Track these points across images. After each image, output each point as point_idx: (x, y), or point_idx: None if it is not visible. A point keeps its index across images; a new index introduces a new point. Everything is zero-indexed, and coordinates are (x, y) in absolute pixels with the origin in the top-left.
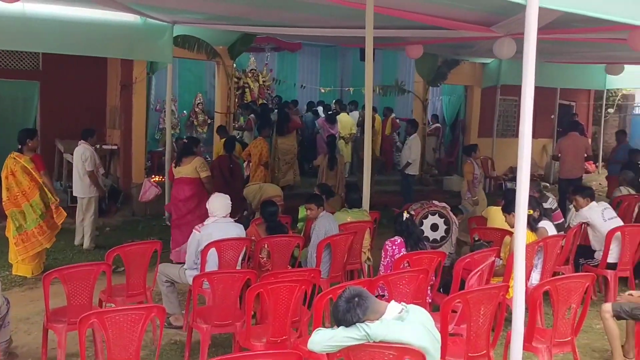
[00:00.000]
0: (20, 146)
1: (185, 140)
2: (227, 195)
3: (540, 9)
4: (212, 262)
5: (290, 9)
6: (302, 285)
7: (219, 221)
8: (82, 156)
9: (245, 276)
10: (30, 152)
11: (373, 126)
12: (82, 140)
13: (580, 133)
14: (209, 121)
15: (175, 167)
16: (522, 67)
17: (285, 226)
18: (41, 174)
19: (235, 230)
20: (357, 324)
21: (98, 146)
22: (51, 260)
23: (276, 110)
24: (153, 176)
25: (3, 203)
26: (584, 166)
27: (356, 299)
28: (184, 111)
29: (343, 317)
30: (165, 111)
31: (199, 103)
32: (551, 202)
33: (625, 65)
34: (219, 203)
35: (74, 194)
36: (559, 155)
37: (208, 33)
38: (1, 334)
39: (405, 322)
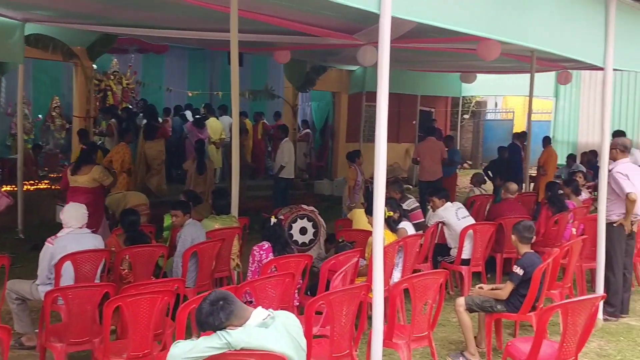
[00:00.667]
0: None
1: (83, 147)
2: (83, 205)
3: (396, 18)
4: (68, 276)
5: (153, 9)
6: (165, 297)
7: (74, 232)
8: None
9: (102, 290)
10: None
11: (244, 131)
12: None
13: (437, 138)
14: (67, 126)
15: (72, 174)
16: (377, 74)
17: (147, 235)
18: None
19: (93, 241)
20: (218, 332)
21: None
22: None
23: (141, 114)
24: (4, 185)
25: None
26: (442, 169)
27: (221, 302)
28: (39, 115)
29: (205, 319)
30: (17, 115)
31: (55, 107)
32: (409, 203)
33: (478, 74)
34: (73, 213)
35: None
36: (418, 158)
37: (64, 32)
38: None
39: (270, 328)
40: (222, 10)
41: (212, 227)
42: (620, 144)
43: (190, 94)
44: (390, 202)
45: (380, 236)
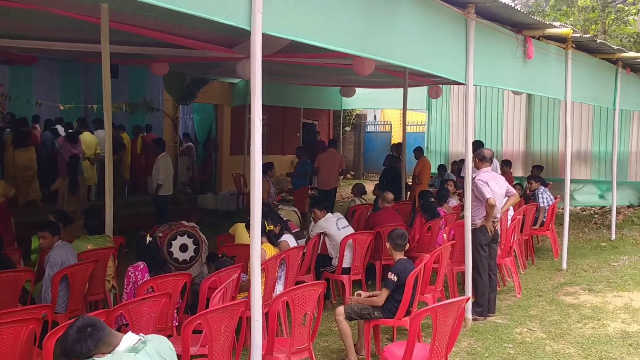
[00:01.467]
0: None
1: None
2: None
3: (270, 34)
4: None
5: (18, 18)
6: (31, 325)
7: None
8: None
9: None
10: None
11: (122, 145)
12: None
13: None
14: None
15: None
16: (250, 88)
17: (11, 260)
18: None
19: None
20: None
21: None
22: None
23: (9, 129)
24: None
25: None
26: (338, 178)
27: (89, 329)
28: None
29: (72, 347)
30: None
31: None
32: (282, 215)
33: (357, 88)
34: None
35: None
36: (318, 167)
37: None
38: None
39: (141, 353)
40: (93, 21)
41: (84, 248)
42: (478, 154)
43: (62, 107)
44: (271, 216)
45: (258, 250)
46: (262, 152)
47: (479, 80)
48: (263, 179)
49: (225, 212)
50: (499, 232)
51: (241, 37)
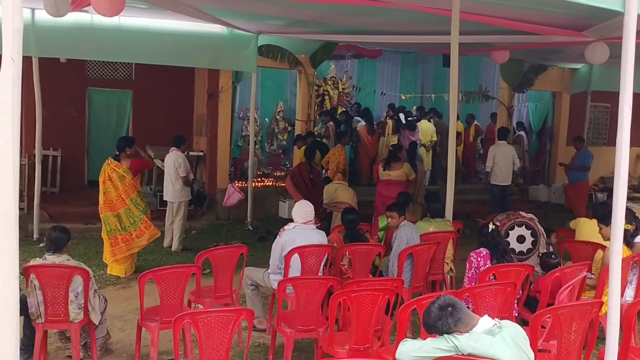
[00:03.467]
0: (117, 153)
1: (390, 148)
2: (309, 203)
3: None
4: (295, 267)
5: (374, 15)
6: (386, 295)
7: (300, 227)
8: (174, 163)
9: (328, 283)
10: (128, 159)
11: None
12: (173, 147)
13: None
14: (289, 128)
15: (384, 170)
16: (620, 74)
17: (365, 235)
18: (136, 178)
19: (317, 237)
20: (445, 335)
21: (186, 153)
22: (142, 261)
23: (357, 117)
24: (236, 182)
25: (99, 207)
26: None
27: (449, 308)
28: (266, 119)
29: (434, 323)
30: (248, 119)
31: (280, 111)
32: None
33: None
34: (300, 210)
35: (165, 199)
36: None
37: (290, 42)
38: (100, 329)
39: (497, 337)
40: (443, 13)
41: (426, 230)
42: None
43: (402, 97)
44: (626, 214)
45: (619, 250)
46: (602, 144)
47: None
48: None
49: (558, 205)
50: None
51: (593, 19)
